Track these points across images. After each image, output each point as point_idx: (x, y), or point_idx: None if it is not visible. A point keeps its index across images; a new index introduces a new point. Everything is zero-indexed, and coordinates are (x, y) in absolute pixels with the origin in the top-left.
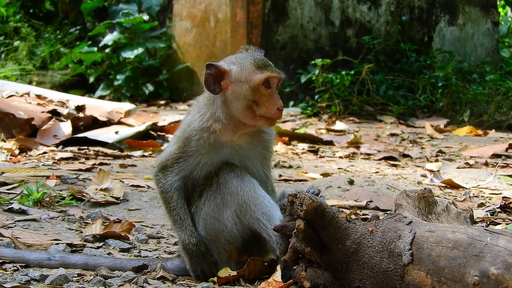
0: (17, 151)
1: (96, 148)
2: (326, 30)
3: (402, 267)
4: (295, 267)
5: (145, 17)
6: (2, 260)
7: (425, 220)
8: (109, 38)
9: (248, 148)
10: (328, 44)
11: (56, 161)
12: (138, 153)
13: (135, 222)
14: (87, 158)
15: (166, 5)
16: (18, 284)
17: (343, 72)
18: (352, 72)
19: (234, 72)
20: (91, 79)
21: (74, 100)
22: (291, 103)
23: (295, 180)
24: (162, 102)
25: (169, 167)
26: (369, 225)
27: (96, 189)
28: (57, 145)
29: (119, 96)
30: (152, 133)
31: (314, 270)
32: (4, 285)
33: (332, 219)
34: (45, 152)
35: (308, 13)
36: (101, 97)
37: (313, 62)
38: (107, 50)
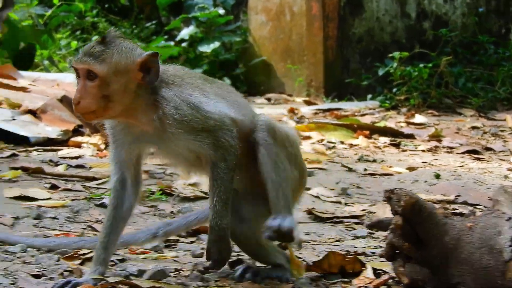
0: (102, 146)
1: None
2: (402, 23)
3: (503, 264)
4: (392, 263)
5: (221, 11)
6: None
7: None
8: (186, 32)
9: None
10: (405, 37)
11: None
12: None
13: None
14: None
15: None
16: (121, 279)
17: (421, 65)
18: (430, 64)
19: None
20: None
21: None
22: (369, 96)
23: (381, 175)
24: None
25: None
26: (467, 221)
27: (184, 184)
28: None
29: None
30: None
31: (413, 266)
32: (108, 279)
33: (430, 215)
34: None
35: (383, 5)
36: None
37: (390, 55)
38: (183, 44)
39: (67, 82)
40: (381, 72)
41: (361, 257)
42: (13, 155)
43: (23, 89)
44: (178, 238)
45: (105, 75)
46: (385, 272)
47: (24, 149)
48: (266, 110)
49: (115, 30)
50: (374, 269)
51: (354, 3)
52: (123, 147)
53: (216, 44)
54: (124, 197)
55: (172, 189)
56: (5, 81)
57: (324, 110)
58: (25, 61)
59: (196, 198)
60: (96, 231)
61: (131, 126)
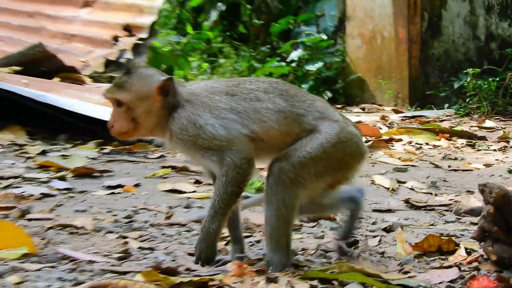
0: None
1: None
2: (474, 44)
3: None
4: (482, 243)
5: (323, 36)
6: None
7: None
8: (295, 55)
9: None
10: (476, 56)
11: None
12: None
13: None
14: None
15: (338, 26)
16: (260, 256)
17: (490, 79)
18: (497, 78)
19: None
20: None
21: None
22: (446, 105)
23: (462, 170)
24: (339, 106)
25: None
26: None
27: None
28: None
29: None
30: None
31: (500, 245)
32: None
33: None
34: None
35: (458, 30)
36: None
37: (464, 71)
38: (293, 64)
39: None
40: (456, 85)
41: (453, 239)
42: (162, 156)
43: None
44: (301, 223)
45: (129, 102)
46: (474, 251)
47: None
48: (362, 118)
49: (139, 62)
50: (466, 249)
51: (433, 28)
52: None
53: (320, 64)
54: None
55: None
56: None
57: (410, 117)
58: None
59: None
60: None
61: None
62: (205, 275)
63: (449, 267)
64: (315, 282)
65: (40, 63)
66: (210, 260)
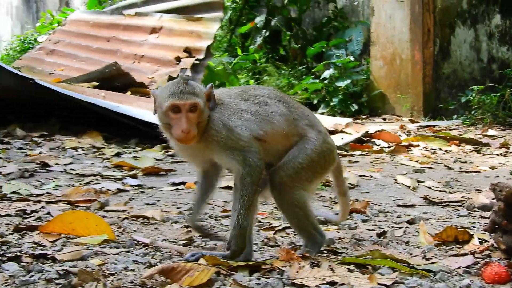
0: None
1: None
2: (478, 65)
3: None
4: (492, 234)
5: (351, 58)
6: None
7: None
8: (327, 73)
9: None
10: (479, 75)
11: None
12: (358, 153)
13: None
14: None
15: (363, 49)
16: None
17: (492, 95)
18: (498, 94)
19: (156, 98)
20: (314, 102)
21: None
22: (455, 116)
23: (471, 172)
24: (364, 116)
25: None
26: None
27: None
28: None
29: (333, 113)
30: (363, 138)
31: (508, 236)
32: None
33: None
34: None
35: (464, 53)
36: (321, 113)
37: (471, 88)
38: (325, 81)
39: None
40: (463, 99)
41: (467, 230)
42: None
43: None
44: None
45: (201, 106)
46: (486, 241)
47: None
48: (384, 126)
49: (184, 74)
50: (479, 239)
51: (444, 52)
52: (189, 159)
53: (348, 81)
54: (207, 177)
55: (330, 181)
56: None
57: (424, 126)
58: None
59: None
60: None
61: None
62: (258, 260)
63: (465, 254)
64: (351, 267)
65: (115, 79)
66: (241, 252)
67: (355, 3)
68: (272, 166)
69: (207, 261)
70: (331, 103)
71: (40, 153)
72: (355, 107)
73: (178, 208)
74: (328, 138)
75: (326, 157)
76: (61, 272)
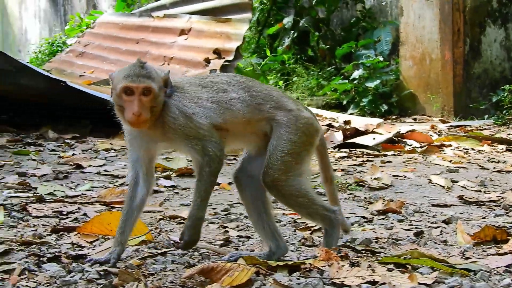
0: None
1: (361, 150)
2: (508, 64)
3: None
4: None
5: (380, 58)
6: None
7: None
8: (356, 74)
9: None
10: (510, 74)
11: (336, 159)
12: (390, 153)
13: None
14: (356, 157)
15: (392, 49)
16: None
17: None
18: None
19: (113, 80)
20: (344, 102)
21: (341, 116)
22: (486, 116)
23: (506, 171)
24: (394, 117)
25: None
26: None
27: (371, 178)
28: (333, 148)
29: (363, 114)
30: (395, 138)
31: None
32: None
33: None
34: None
35: (495, 53)
36: (351, 114)
37: (502, 87)
38: (355, 82)
39: None
40: (494, 99)
41: (505, 229)
42: None
43: None
44: (372, 216)
45: (156, 90)
46: None
47: None
48: (415, 127)
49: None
50: None
51: (474, 51)
52: (140, 149)
53: (377, 81)
54: (137, 191)
55: (364, 181)
56: None
57: (455, 126)
58: None
59: (380, 188)
60: None
61: (143, 130)
62: (296, 260)
63: (504, 254)
64: (391, 266)
65: None
66: (194, 244)
67: (383, 3)
68: (247, 154)
69: (246, 261)
70: (361, 104)
71: (73, 155)
72: (384, 107)
73: (213, 208)
74: (303, 112)
75: (306, 131)
76: (102, 272)
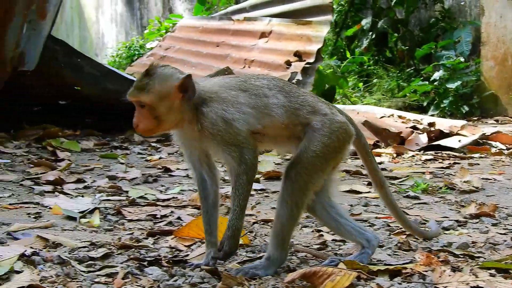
0: (394, 155)
1: (447, 152)
2: None
3: None
4: None
5: (461, 59)
6: None
7: None
8: (437, 75)
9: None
10: None
11: (423, 161)
12: (476, 155)
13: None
14: (443, 159)
15: (472, 50)
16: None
17: None
18: None
19: None
20: (424, 104)
21: (425, 119)
22: None
23: None
24: (475, 118)
25: None
26: None
27: (461, 181)
28: (419, 151)
29: (443, 115)
30: (479, 140)
31: None
32: (432, 248)
33: None
34: (413, 156)
35: None
36: (431, 115)
37: None
38: (435, 83)
39: (363, 111)
40: None
41: None
42: None
43: None
44: (466, 220)
45: (151, 102)
46: None
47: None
48: (498, 128)
49: (157, 62)
50: None
51: None
52: (188, 150)
53: (458, 82)
54: (207, 188)
55: (454, 184)
56: None
57: None
58: (328, 97)
59: (471, 191)
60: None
61: (185, 134)
62: (397, 264)
63: None
64: (492, 271)
65: None
66: (234, 254)
67: (462, 3)
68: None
69: (346, 266)
70: (441, 105)
71: (159, 158)
72: (465, 108)
73: (304, 212)
74: (337, 117)
75: (340, 136)
76: (204, 276)
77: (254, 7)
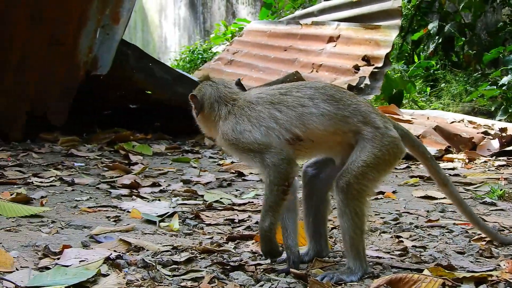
0: (467, 161)
1: None
2: None
3: None
4: None
5: None
6: None
7: None
8: (505, 79)
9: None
10: None
11: (496, 167)
12: None
13: None
14: None
15: None
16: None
17: None
18: None
19: None
20: (492, 109)
21: (497, 124)
22: None
23: None
24: None
25: None
26: None
27: None
28: (491, 156)
29: (511, 120)
30: None
31: None
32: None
33: None
34: (485, 161)
35: None
36: (499, 121)
37: None
38: (503, 88)
39: (433, 115)
40: None
41: None
42: (408, 167)
43: (408, 121)
44: None
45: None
46: None
47: (413, 162)
48: None
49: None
50: None
51: None
52: None
53: None
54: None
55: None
56: (394, 116)
57: None
58: (396, 102)
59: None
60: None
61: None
62: (481, 271)
63: None
64: None
65: None
66: (273, 253)
67: None
68: (335, 163)
69: (431, 272)
70: (510, 110)
71: (232, 162)
72: None
73: (382, 218)
74: (390, 131)
75: (390, 150)
76: (290, 282)
77: (322, 12)
